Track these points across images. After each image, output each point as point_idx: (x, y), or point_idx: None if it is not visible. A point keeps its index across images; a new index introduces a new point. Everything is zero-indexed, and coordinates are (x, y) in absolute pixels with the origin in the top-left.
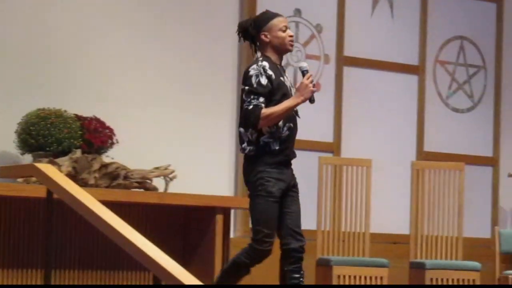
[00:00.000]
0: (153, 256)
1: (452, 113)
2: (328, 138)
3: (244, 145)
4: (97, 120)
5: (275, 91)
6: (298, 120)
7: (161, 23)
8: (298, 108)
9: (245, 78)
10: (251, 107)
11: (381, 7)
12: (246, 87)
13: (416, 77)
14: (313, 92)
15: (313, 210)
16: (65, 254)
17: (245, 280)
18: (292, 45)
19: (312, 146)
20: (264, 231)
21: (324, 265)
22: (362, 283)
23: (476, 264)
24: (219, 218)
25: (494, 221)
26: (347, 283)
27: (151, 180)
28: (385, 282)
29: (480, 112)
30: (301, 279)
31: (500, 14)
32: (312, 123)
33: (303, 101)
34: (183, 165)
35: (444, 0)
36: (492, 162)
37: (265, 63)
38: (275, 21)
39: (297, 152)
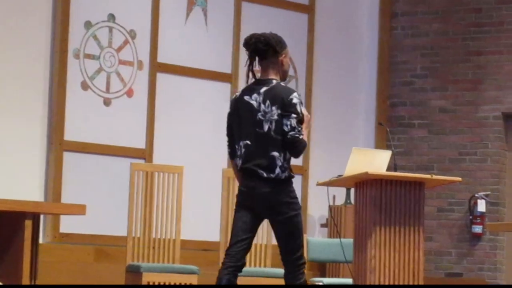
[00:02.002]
0: None
1: None
2: (140, 144)
3: (277, 170)
4: None
5: None
6: (113, 126)
7: None
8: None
9: (288, 105)
10: (301, 137)
11: (195, 14)
12: (293, 115)
13: (229, 85)
14: None
15: (124, 216)
16: None
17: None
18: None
19: (124, 152)
20: (302, 245)
21: (134, 272)
22: None
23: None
24: (28, 223)
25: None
26: None
27: None
28: None
29: None
30: None
31: (312, 25)
32: (124, 129)
33: None
34: None
35: (257, 10)
36: (301, 171)
37: None
38: (288, 49)
39: (109, 158)
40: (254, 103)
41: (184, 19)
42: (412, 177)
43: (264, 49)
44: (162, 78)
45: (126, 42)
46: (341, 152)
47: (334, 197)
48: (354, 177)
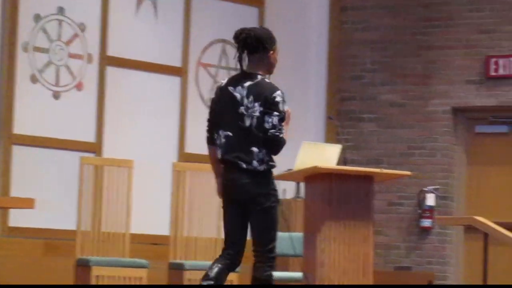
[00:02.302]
0: None
1: None
2: (90, 138)
3: (255, 163)
4: None
5: None
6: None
7: None
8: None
9: (271, 103)
10: (281, 135)
11: (145, 8)
12: (275, 113)
13: (178, 78)
14: None
15: (73, 210)
16: None
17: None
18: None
19: (74, 146)
20: (275, 239)
21: (83, 266)
22: (121, 283)
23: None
24: None
25: None
26: (106, 283)
27: None
28: (144, 283)
29: None
30: None
31: (262, 19)
32: (74, 123)
33: None
34: None
35: (207, 4)
36: None
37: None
38: (277, 45)
39: (58, 152)
40: (237, 95)
41: (134, 12)
42: (362, 171)
43: (254, 45)
44: (112, 72)
45: (75, 35)
46: (291, 146)
47: (284, 191)
48: (304, 171)
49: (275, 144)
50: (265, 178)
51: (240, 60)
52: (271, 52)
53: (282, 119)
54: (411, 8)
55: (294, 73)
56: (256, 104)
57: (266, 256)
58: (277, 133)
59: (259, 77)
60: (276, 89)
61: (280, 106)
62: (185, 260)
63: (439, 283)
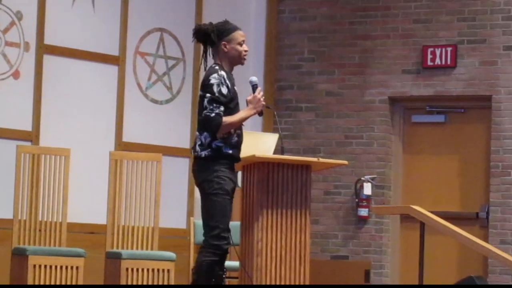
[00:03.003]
0: None
1: (151, 104)
2: (27, 126)
3: (197, 147)
4: None
5: (231, 100)
6: None
7: None
8: None
9: (205, 86)
10: (213, 115)
11: None
12: (208, 95)
13: (116, 67)
14: (263, 106)
15: (9, 199)
16: None
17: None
18: (245, 59)
19: (10, 135)
20: (220, 226)
21: (20, 255)
22: (58, 272)
23: (171, 254)
24: None
25: (190, 212)
26: (42, 272)
27: None
28: (81, 272)
29: (178, 104)
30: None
31: (200, 8)
32: (11, 111)
33: (255, 114)
34: None
35: None
36: (187, 153)
37: (223, 73)
38: (236, 34)
39: None
40: None
41: (71, 1)
42: (299, 160)
43: (202, 39)
44: (49, 60)
45: (12, 23)
46: None
47: None
48: (241, 160)
49: (208, 124)
50: (207, 163)
51: (204, 54)
52: (222, 43)
53: (214, 100)
54: None
55: None
56: (200, 91)
57: (208, 242)
58: (208, 113)
59: (213, 66)
60: (213, 72)
61: (214, 88)
62: (122, 249)
63: (375, 272)
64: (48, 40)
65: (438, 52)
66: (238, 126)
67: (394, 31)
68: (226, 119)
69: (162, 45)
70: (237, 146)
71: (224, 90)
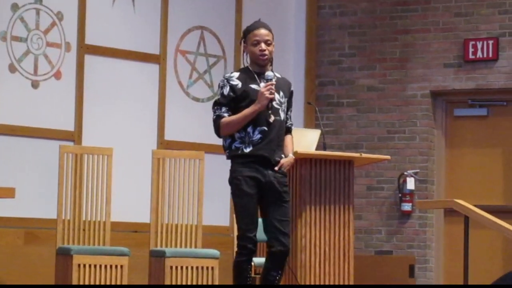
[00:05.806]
0: None
1: (193, 102)
2: (69, 126)
3: (225, 152)
4: None
5: (241, 98)
6: (42, 109)
7: None
8: None
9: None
10: (214, 117)
11: None
12: (216, 97)
13: (157, 66)
14: (269, 99)
15: (53, 199)
16: None
17: None
18: (262, 59)
19: (53, 135)
20: (242, 227)
21: (64, 254)
22: (103, 272)
23: (215, 251)
24: None
25: (232, 209)
26: (87, 272)
27: None
28: (125, 271)
29: None
30: (277, 277)
31: (240, 5)
32: (53, 112)
33: (261, 108)
34: None
35: None
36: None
37: (234, 73)
38: (250, 35)
39: (38, 141)
40: None
41: (111, 0)
42: (341, 155)
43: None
44: (90, 60)
45: (53, 24)
46: None
47: None
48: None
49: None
50: (231, 165)
51: (243, 53)
52: (244, 45)
53: (216, 102)
54: None
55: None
56: None
57: (237, 242)
58: (214, 116)
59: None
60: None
61: (218, 91)
62: (165, 247)
63: (420, 267)
64: (89, 40)
65: (479, 45)
66: (246, 123)
67: (435, 25)
68: (226, 119)
69: (203, 43)
70: (262, 143)
71: (226, 91)
